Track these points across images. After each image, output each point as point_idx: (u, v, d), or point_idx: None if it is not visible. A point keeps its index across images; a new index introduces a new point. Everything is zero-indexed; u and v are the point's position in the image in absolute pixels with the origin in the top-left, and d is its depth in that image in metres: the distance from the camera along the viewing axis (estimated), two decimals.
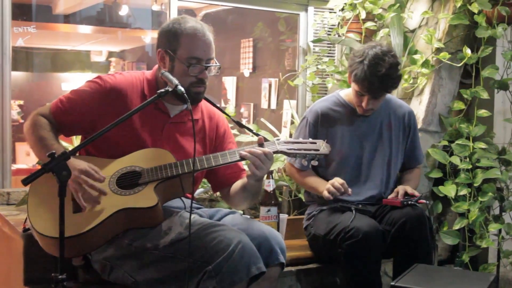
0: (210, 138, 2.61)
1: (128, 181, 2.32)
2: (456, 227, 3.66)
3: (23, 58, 5.88)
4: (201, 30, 2.39)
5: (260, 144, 2.38)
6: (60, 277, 1.87)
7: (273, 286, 2.38)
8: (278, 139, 2.44)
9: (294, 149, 2.41)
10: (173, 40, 2.39)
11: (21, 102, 5.87)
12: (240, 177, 2.62)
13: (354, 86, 2.98)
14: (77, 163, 2.23)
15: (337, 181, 2.90)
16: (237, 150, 2.39)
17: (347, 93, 3.17)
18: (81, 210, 2.23)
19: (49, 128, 2.37)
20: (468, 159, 3.68)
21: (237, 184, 2.58)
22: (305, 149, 2.42)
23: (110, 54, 6.69)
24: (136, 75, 2.51)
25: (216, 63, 2.44)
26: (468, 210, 3.61)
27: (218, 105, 2.63)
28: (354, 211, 2.86)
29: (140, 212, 2.24)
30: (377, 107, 3.06)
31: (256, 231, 2.33)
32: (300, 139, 2.49)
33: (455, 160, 3.66)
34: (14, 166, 4.83)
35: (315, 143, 2.45)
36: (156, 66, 2.51)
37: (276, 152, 2.39)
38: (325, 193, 2.90)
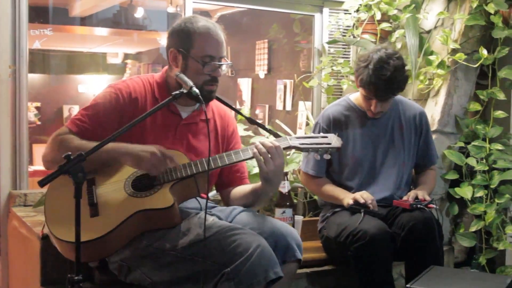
0: (222, 137, 2.62)
1: (143, 183, 2.33)
2: (473, 229, 3.64)
3: (39, 61, 5.92)
4: (214, 29, 2.40)
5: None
6: (76, 278, 1.88)
7: (290, 282, 2.39)
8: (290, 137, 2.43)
9: (307, 144, 2.40)
10: (186, 39, 2.39)
11: (38, 104, 5.92)
12: (243, 181, 2.63)
13: (361, 91, 3.01)
14: (143, 147, 2.27)
15: (368, 195, 2.92)
16: (250, 147, 2.38)
17: (357, 97, 3.16)
18: (98, 214, 2.24)
19: (79, 138, 2.33)
20: (484, 161, 3.65)
21: (245, 188, 2.57)
22: (317, 143, 2.41)
23: (126, 56, 6.71)
24: (146, 78, 2.51)
25: (227, 61, 2.45)
26: (485, 212, 3.59)
27: (230, 104, 2.63)
28: (362, 214, 2.85)
29: (157, 213, 2.25)
30: (386, 109, 3.06)
31: (272, 228, 2.33)
32: (312, 134, 2.49)
33: (472, 161, 3.63)
34: (31, 168, 4.86)
35: (327, 137, 2.44)
36: (165, 68, 2.51)
37: (289, 147, 2.39)
38: (349, 202, 2.93)
